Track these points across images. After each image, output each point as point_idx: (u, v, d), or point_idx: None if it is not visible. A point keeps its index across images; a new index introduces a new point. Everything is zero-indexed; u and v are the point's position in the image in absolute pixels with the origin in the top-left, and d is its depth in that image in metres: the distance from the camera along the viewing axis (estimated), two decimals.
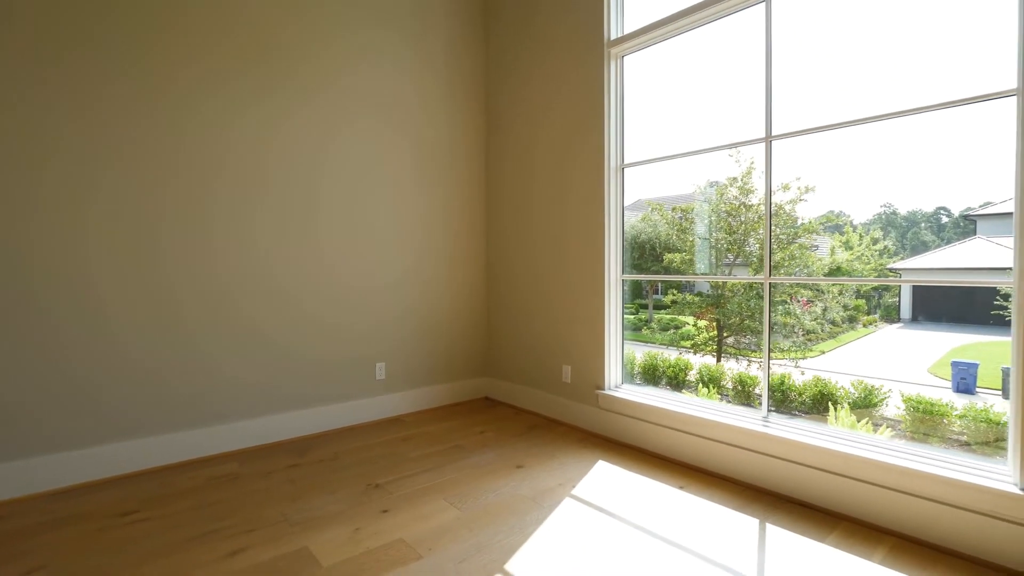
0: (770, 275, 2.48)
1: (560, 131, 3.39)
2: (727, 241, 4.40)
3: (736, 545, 1.93)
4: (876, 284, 3.51)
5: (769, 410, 2.49)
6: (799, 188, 3.73)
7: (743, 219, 4.29)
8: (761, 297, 3.75)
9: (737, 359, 4.49)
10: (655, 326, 5.02)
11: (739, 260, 4.30)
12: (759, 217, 4.15)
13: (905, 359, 3.41)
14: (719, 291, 4.47)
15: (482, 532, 2.03)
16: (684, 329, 4.83)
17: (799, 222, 3.86)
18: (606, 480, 2.51)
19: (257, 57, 2.93)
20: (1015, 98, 1.78)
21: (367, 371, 3.42)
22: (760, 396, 3.10)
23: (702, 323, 4.75)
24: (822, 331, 3.98)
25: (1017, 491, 1.74)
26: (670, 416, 2.76)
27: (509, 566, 1.80)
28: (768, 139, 2.48)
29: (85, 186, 2.45)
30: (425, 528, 2.06)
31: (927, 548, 1.90)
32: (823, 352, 3.96)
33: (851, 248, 3.53)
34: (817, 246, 3.79)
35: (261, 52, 2.94)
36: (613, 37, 3.10)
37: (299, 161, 3.10)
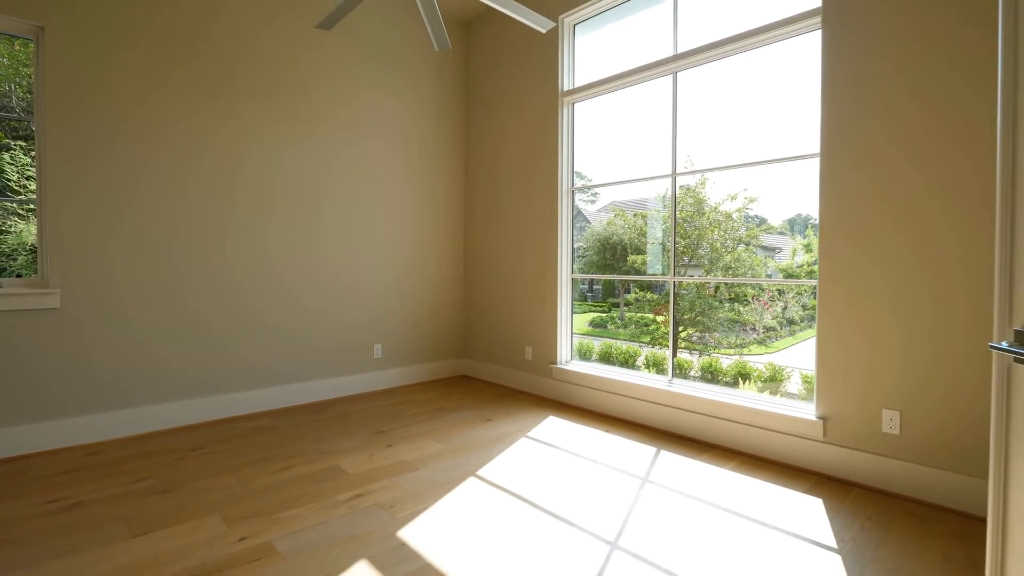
0: (674, 275, 3.37)
1: (523, 159, 4.23)
2: (682, 245, 5.22)
3: (637, 461, 2.80)
4: (772, 284, 4.40)
5: (673, 376, 3.38)
6: (745, 198, 4.57)
7: (696, 225, 5.12)
8: (714, 296, 4.52)
9: (690, 352, 5.30)
10: (619, 322, 5.73)
11: (692, 261, 5.10)
12: (710, 223, 4.98)
13: None
14: (675, 290, 5.22)
15: (461, 456, 2.85)
16: (652, 327, 5.49)
17: (751, 225, 4.34)
18: (553, 427, 3.36)
19: (271, 88, 3.67)
20: (817, 159, 2.68)
21: (367, 351, 4.21)
22: (693, 375, 3.98)
23: (660, 318, 5.53)
24: (781, 329, 4.68)
25: (814, 419, 2.64)
26: (604, 382, 3.63)
27: (480, 472, 2.63)
28: (674, 175, 3.36)
29: (110, 207, 3.19)
30: (420, 454, 2.88)
31: (763, 461, 2.80)
32: (767, 350, 4.53)
33: (811, 251, 3.89)
34: (780, 248, 4.24)
35: (274, 83, 3.68)
36: (566, 88, 3.95)
37: (306, 181, 3.86)
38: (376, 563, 1.85)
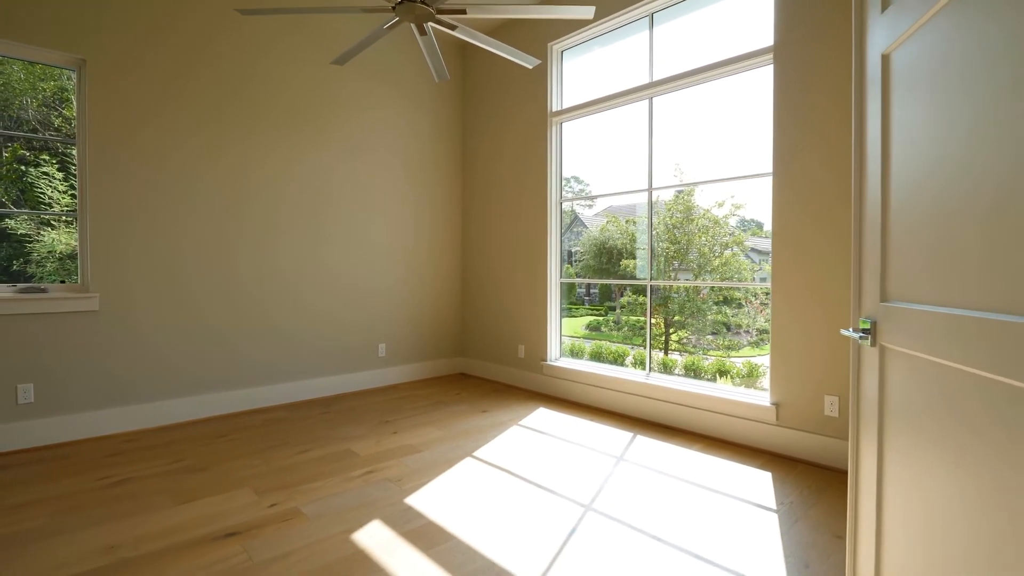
0: (651, 279, 3.74)
1: (515, 173, 4.60)
2: (672, 250, 5.56)
3: (615, 444, 3.16)
4: (741, 287, 4.77)
5: (650, 371, 3.75)
6: (732, 205, 4.91)
7: (685, 231, 5.46)
8: (703, 299, 4.79)
9: (681, 353, 5.62)
10: (613, 325, 5.99)
11: (682, 265, 5.43)
12: (699, 229, 5.31)
13: None
14: (666, 293, 5.55)
15: (459, 440, 3.21)
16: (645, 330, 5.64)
17: (737, 232, 4.57)
18: (543, 417, 3.73)
19: (281, 105, 4.03)
20: (770, 177, 3.07)
21: (372, 350, 4.57)
22: (678, 372, 4.32)
23: (652, 321, 5.81)
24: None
25: (768, 404, 3.01)
26: (589, 376, 4.00)
27: (475, 454, 2.99)
28: (650, 189, 3.75)
29: (136, 220, 3.56)
30: (422, 440, 3.23)
31: (725, 443, 3.17)
32: (760, 352, 4.71)
33: None
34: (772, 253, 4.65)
35: (284, 100, 4.05)
36: (554, 109, 4.33)
37: (313, 192, 4.23)
38: (388, 522, 2.20)
